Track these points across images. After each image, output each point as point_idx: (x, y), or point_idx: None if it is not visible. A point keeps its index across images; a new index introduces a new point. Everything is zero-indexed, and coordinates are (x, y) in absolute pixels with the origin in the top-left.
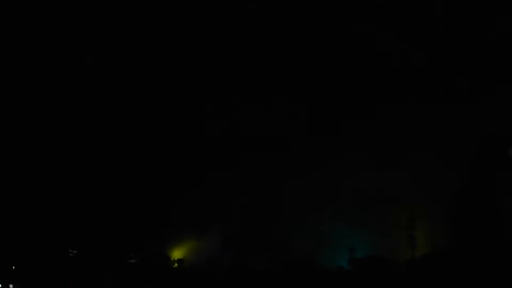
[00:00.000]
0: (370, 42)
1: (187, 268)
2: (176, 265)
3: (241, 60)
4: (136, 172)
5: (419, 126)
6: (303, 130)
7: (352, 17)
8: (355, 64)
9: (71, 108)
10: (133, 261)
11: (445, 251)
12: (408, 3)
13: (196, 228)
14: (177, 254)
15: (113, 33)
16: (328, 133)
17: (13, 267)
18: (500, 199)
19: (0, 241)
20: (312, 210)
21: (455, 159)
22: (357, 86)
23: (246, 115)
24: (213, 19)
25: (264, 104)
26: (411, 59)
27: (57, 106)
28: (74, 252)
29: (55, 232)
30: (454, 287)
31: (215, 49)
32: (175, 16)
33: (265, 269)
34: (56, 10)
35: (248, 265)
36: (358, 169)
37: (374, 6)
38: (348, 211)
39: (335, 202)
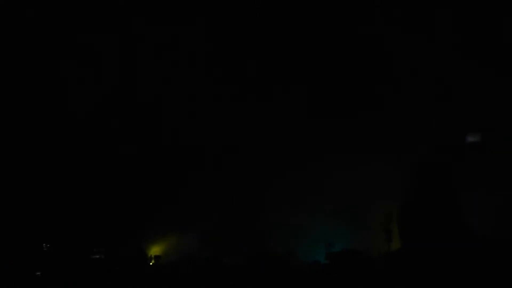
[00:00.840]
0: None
1: (164, 265)
2: (153, 261)
3: (239, 59)
4: (116, 169)
5: (394, 123)
6: (282, 129)
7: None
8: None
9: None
10: (97, 256)
11: (417, 245)
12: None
13: (176, 224)
14: (155, 250)
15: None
16: (308, 132)
17: None
18: (459, 189)
19: None
20: (290, 206)
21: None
22: (344, 87)
23: (227, 114)
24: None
25: (248, 104)
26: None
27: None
28: (48, 245)
29: (29, 226)
30: (427, 281)
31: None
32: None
33: (242, 265)
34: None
35: (226, 261)
36: (336, 167)
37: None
38: (326, 206)
39: (313, 198)
